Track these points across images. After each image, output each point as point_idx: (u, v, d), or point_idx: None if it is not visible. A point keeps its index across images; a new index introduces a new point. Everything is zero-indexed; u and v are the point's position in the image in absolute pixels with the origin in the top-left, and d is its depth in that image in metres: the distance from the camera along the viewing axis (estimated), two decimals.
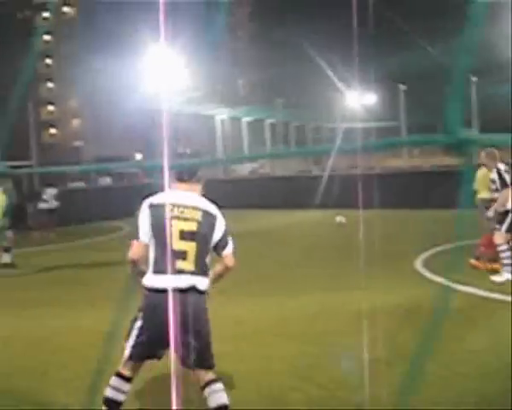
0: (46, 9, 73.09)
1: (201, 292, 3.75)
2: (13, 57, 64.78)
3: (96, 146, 27.54)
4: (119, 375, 3.83)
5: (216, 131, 26.57)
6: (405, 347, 5.24)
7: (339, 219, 15.92)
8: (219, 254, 3.94)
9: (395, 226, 14.77)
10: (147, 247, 3.80)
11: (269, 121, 30.04)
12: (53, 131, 70.71)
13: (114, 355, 3.81)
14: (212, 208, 3.91)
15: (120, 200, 18.14)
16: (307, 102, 31.96)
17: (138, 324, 3.77)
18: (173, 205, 3.76)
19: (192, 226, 3.77)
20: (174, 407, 3.24)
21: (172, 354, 3.61)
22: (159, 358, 3.86)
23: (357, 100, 31.83)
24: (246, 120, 29.41)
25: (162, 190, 3.68)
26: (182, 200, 3.82)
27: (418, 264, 9.80)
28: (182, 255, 3.70)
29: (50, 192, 16.85)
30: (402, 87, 24.85)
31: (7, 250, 11.40)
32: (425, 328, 2.68)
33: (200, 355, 3.69)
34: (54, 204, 16.68)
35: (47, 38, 73.26)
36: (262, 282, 9.34)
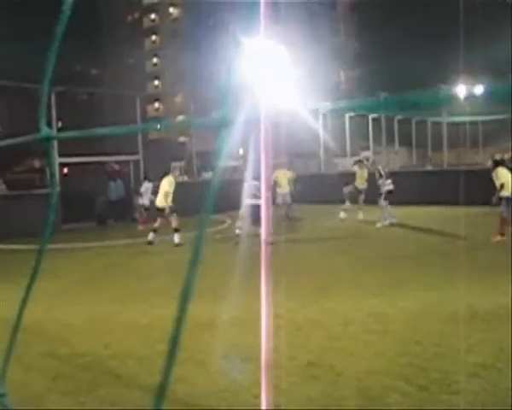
0: (154, 11, 75.80)
1: None
2: (123, 57, 67.72)
3: (200, 141, 28.12)
4: None
5: (318, 126, 26.42)
6: None
7: (342, 215, 17.37)
8: None
9: None
10: None
11: (372, 116, 29.41)
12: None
13: (209, 344, 3.90)
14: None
15: (219, 193, 18.44)
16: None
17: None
18: None
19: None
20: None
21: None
22: None
23: (465, 92, 30.45)
24: (348, 114, 28.95)
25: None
26: None
27: None
28: None
29: (146, 186, 17.32)
30: None
31: (176, 230, 13.50)
32: None
33: None
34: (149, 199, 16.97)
35: (154, 38, 75.94)
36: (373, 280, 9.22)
